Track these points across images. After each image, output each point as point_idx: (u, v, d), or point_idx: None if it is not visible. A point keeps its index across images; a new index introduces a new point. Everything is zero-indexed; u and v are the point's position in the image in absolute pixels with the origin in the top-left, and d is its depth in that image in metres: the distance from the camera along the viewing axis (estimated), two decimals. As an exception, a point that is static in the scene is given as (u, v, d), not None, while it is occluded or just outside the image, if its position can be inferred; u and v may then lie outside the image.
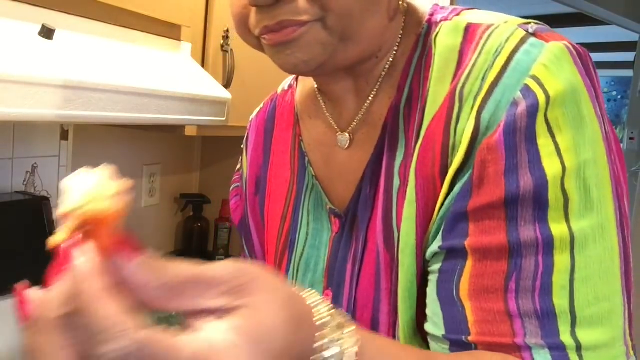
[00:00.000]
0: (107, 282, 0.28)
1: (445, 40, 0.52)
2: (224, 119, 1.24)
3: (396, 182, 0.53)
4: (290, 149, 0.67)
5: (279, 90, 0.73)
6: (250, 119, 0.76)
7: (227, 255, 1.97)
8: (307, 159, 0.65)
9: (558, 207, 0.44)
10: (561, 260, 0.44)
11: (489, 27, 0.50)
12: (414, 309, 0.52)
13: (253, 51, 0.54)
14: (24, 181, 1.40)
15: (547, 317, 0.43)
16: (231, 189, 0.80)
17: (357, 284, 0.56)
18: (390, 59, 0.56)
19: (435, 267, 0.50)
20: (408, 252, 0.51)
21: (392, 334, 0.54)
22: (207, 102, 1.18)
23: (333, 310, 0.36)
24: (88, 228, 0.28)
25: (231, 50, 1.40)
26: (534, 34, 0.48)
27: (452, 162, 0.48)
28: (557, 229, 0.44)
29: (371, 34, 0.51)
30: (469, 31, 0.51)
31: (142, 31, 1.14)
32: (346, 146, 0.59)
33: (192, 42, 1.29)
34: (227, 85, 1.40)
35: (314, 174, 0.64)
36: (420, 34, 0.55)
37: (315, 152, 0.64)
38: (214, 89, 1.22)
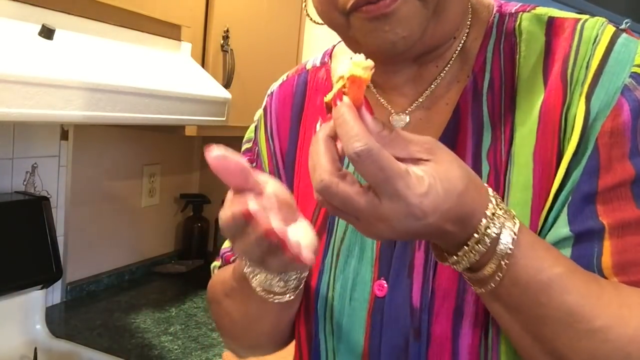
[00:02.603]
0: (356, 114, 0.42)
1: (531, 29, 0.55)
2: (224, 119, 1.24)
3: (485, 167, 0.54)
4: None
5: (309, 66, 0.71)
6: (271, 92, 0.73)
7: (227, 255, 1.97)
8: None
9: None
10: None
11: (578, 19, 0.54)
12: None
13: (253, 51, 0.54)
14: (24, 181, 1.40)
15: None
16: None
17: (435, 274, 0.54)
18: (461, 44, 0.57)
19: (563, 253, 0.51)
20: None
21: (479, 324, 0.52)
22: (207, 102, 1.18)
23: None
24: (349, 88, 0.42)
25: (231, 50, 1.40)
26: (624, 30, 0.53)
27: (565, 147, 0.51)
28: None
29: (456, 12, 0.53)
30: (554, 24, 0.54)
31: (142, 31, 1.14)
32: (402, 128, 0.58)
33: (192, 42, 1.29)
34: (227, 85, 1.40)
35: None
36: (491, 23, 0.57)
37: None
38: (214, 89, 1.23)
